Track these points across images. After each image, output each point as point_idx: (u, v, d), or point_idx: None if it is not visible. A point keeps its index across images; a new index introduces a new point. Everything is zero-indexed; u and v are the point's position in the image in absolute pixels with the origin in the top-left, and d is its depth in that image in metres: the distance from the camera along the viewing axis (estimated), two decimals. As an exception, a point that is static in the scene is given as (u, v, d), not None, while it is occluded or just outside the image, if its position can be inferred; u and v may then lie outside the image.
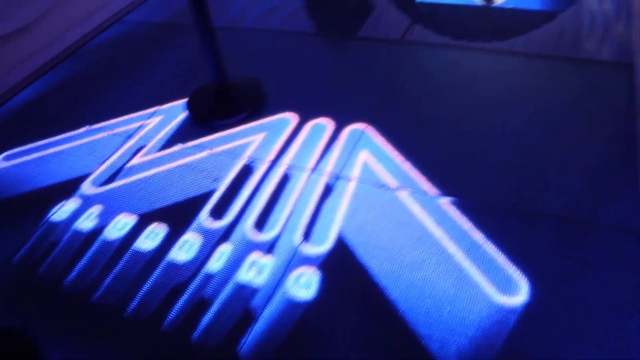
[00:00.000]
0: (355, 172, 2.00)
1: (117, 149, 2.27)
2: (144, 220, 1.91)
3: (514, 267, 1.62)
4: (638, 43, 2.54)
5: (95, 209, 1.99)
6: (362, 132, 2.19)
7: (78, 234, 1.90)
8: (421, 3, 3.35)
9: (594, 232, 1.68)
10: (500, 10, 3.27)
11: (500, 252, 1.66)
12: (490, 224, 1.75)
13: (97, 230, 1.90)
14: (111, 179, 2.12)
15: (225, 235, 1.82)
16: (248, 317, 1.57)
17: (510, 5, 3.29)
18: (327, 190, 1.93)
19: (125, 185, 2.08)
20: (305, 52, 2.81)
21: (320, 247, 1.74)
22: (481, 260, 1.65)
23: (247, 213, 1.89)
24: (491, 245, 1.69)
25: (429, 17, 3.15)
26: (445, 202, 1.84)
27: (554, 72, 2.45)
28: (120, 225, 1.90)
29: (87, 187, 2.09)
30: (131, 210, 1.96)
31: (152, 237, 1.84)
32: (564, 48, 2.70)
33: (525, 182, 1.89)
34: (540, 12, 3.15)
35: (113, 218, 1.94)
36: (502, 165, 1.97)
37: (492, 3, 3.32)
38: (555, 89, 2.33)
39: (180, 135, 2.32)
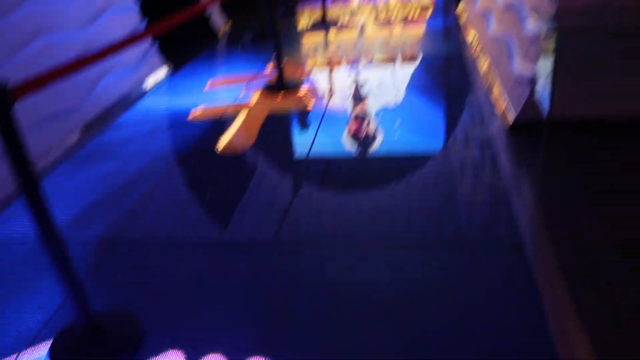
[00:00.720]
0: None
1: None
2: None
3: None
4: (521, 210, 2.57)
5: None
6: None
7: None
8: (301, 161, 3.32)
9: None
10: (377, 159, 3.33)
11: None
12: None
13: None
14: None
15: None
16: None
17: (385, 153, 3.42)
18: None
19: None
20: (180, 262, 2.49)
21: None
22: None
23: None
24: None
25: (310, 175, 3.08)
26: None
27: (450, 260, 2.37)
28: None
29: None
30: None
31: None
32: (442, 196, 2.75)
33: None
34: (413, 157, 3.21)
35: None
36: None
37: (367, 153, 3.40)
38: (455, 281, 2.24)
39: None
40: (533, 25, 3.17)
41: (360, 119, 4.00)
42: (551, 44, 2.73)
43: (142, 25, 5.29)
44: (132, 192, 3.14)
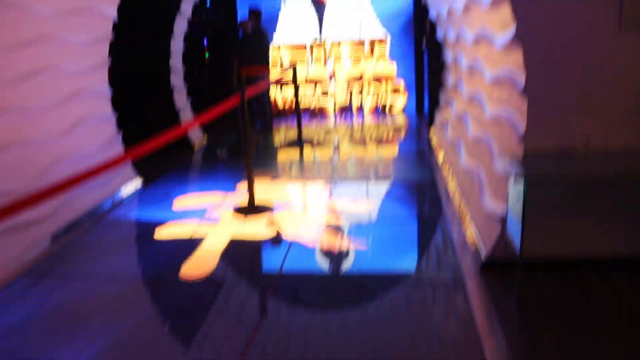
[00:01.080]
0: None
1: None
2: None
3: None
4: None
5: None
6: None
7: None
8: (269, 285, 3.26)
9: None
10: (349, 278, 3.27)
11: None
12: None
13: None
14: None
15: None
16: None
17: (356, 271, 3.42)
18: None
19: None
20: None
21: None
22: None
23: None
24: None
25: (278, 299, 2.99)
26: None
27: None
28: None
29: None
30: None
31: None
32: (412, 334, 2.65)
33: None
34: (385, 276, 3.16)
35: None
36: None
37: (339, 271, 3.35)
38: None
39: None
40: (502, 164, 3.25)
41: (333, 236, 3.97)
42: (520, 187, 2.78)
43: (119, 137, 5.32)
44: (86, 319, 2.95)
